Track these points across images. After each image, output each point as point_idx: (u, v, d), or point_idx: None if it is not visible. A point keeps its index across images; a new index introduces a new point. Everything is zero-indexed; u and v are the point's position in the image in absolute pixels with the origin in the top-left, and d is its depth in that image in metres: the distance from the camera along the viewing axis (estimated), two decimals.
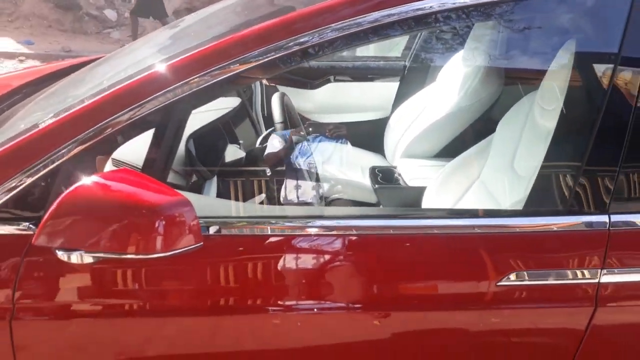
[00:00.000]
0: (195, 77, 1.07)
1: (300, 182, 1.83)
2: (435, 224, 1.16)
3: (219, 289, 1.12)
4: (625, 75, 1.11)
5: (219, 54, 1.09)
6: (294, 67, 1.15)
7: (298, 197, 1.63)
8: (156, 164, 1.09)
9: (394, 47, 2.93)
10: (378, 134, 2.54)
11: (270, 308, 1.13)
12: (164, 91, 1.07)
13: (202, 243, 0.99)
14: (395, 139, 2.36)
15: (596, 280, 1.13)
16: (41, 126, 1.10)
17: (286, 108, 1.63)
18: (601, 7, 1.15)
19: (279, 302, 1.13)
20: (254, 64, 1.09)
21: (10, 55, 6.99)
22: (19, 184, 1.07)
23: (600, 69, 1.15)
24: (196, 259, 1.09)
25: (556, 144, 1.21)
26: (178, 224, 0.97)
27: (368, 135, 2.61)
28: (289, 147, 1.95)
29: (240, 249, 1.13)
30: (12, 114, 1.47)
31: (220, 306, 1.11)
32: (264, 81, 2.54)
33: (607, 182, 1.12)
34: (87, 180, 0.97)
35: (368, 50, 2.97)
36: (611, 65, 1.10)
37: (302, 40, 1.08)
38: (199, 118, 1.54)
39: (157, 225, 0.95)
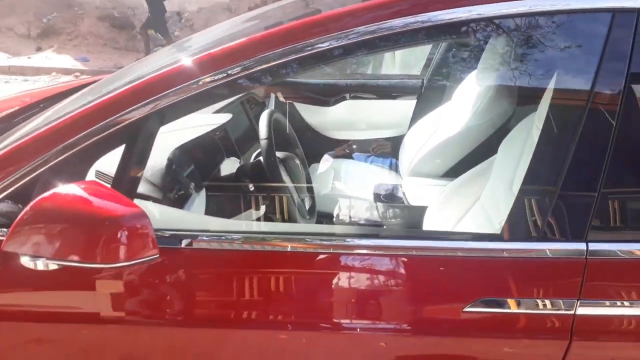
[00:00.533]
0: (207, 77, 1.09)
1: (300, 199, 1.83)
2: (401, 244, 1.13)
3: (182, 300, 1.14)
4: (604, 94, 1.05)
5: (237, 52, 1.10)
6: (311, 69, 1.14)
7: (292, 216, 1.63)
8: (125, 176, 1.13)
9: (414, 65, 2.91)
10: (394, 152, 2.51)
11: (241, 322, 1.14)
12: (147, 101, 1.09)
13: (157, 255, 1.01)
14: (409, 157, 2.33)
15: (572, 312, 1.07)
16: (23, 139, 1.16)
17: (275, 125, 1.64)
18: (580, 29, 1.10)
19: (251, 317, 1.13)
20: (272, 64, 1.08)
21: (67, 72, 7.44)
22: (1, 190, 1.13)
23: (579, 89, 1.10)
24: (160, 271, 1.12)
25: (535, 165, 1.16)
26: (134, 235, 0.99)
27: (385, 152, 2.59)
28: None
29: (208, 262, 1.15)
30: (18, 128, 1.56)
31: (183, 317, 1.13)
32: (280, 97, 2.58)
33: (585, 207, 1.06)
34: (51, 191, 1.01)
35: (386, 68, 2.96)
36: (589, 84, 1.05)
37: (322, 43, 1.07)
38: (188, 133, 1.58)
39: (112, 235, 0.98)
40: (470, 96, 2.10)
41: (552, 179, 1.09)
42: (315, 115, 2.67)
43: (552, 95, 1.20)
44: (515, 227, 1.14)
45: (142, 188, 1.37)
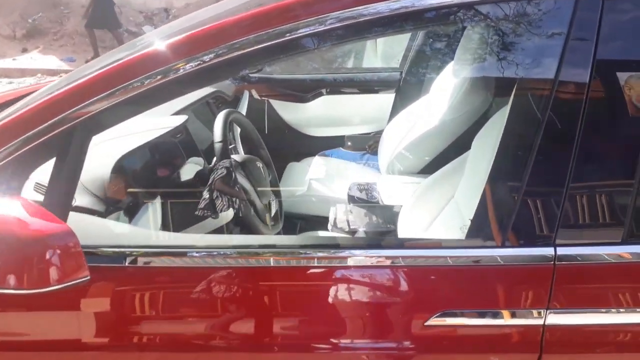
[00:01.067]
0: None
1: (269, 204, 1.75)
2: (356, 253, 1.05)
3: (127, 322, 1.06)
4: (569, 84, 0.97)
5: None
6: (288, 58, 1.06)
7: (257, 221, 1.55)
8: (57, 189, 1.04)
9: (397, 56, 2.82)
10: (374, 148, 2.42)
11: (190, 340, 1.06)
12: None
13: (88, 276, 0.93)
14: (387, 153, 2.25)
15: (541, 322, 0.99)
16: None
17: (238, 126, 1.56)
18: (544, 19, 1.02)
19: (201, 339, 1.06)
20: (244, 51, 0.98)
21: (52, 72, 7.33)
22: None
23: (542, 76, 1.02)
24: (101, 292, 1.04)
25: (498, 165, 1.08)
26: (61, 256, 0.91)
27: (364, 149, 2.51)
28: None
29: (155, 279, 1.07)
30: None
31: (122, 342, 1.05)
32: (254, 95, 2.49)
33: (552, 210, 0.98)
34: None
35: (367, 59, 2.88)
36: (554, 68, 0.97)
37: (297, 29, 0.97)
38: (139, 137, 1.48)
39: (37, 258, 0.90)
40: (446, 89, 2.02)
41: (516, 179, 1.01)
42: (292, 112, 2.58)
43: (517, 87, 1.12)
44: (479, 231, 1.06)
45: (84, 201, 1.28)
